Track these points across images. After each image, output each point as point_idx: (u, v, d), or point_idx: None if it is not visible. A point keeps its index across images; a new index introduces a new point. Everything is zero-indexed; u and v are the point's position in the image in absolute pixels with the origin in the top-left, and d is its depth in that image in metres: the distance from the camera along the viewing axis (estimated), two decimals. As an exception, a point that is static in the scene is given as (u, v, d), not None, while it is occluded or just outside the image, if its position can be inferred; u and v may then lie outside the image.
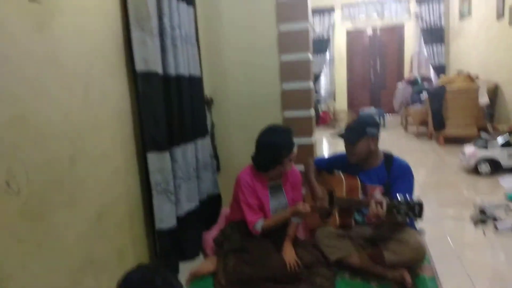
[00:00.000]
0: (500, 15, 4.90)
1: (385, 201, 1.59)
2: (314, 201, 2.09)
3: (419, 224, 2.23)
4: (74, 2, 1.47)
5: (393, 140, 5.65)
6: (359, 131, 1.89)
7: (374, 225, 1.92)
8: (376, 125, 1.93)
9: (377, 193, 1.76)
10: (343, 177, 1.92)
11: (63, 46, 1.40)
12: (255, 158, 2.02)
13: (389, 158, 1.96)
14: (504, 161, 3.36)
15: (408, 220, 1.58)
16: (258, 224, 1.95)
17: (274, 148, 1.93)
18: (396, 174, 1.88)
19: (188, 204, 2.21)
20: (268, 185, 2.05)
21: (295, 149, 1.96)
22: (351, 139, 1.91)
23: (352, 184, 1.90)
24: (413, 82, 6.25)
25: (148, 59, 1.82)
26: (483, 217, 2.49)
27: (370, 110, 7.19)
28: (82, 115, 1.50)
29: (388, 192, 1.76)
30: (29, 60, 1.24)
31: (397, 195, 1.59)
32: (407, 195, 1.62)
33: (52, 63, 1.35)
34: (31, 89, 1.24)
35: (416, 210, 1.55)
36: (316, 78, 8.07)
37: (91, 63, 1.58)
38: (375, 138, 1.92)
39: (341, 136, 1.95)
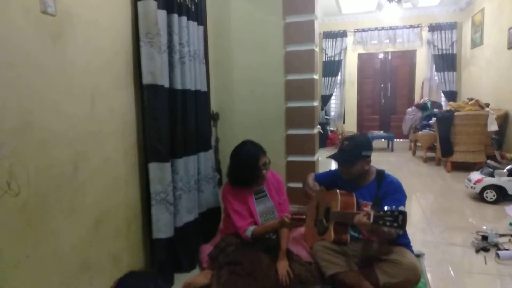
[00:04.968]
0: (511, 44, 4.92)
1: (372, 212, 1.58)
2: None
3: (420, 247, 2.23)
4: (87, 16, 1.56)
5: (401, 164, 5.61)
6: (355, 155, 1.92)
7: (370, 241, 1.92)
8: (370, 147, 1.98)
9: (369, 208, 1.76)
10: (338, 193, 1.93)
11: (74, 58, 1.48)
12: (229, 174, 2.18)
13: (380, 175, 2.00)
14: (511, 189, 3.31)
15: (393, 231, 1.51)
16: (249, 230, 2.00)
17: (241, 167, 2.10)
18: (387, 190, 1.91)
19: (188, 215, 2.24)
20: (252, 192, 2.14)
21: (261, 161, 2.07)
22: (347, 162, 1.95)
23: (348, 201, 1.91)
24: (422, 107, 6.24)
25: (155, 73, 1.89)
26: (485, 245, 2.45)
27: (379, 134, 7.19)
28: (87, 124, 1.57)
29: (378, 207, 1.75)
30: (40, 69, 1.32)
31: (385, 207, 1.55)
32: (393, 206, 1.53)
33: (62, 73, 1.42)
34: (39, 97, 1.32)
35: (399, 219, 1.47)
36: (327, 99, 8.14)
37: (100, 75, 1.65)
38: (369, 159, 1.97)
39: (335, 158, 1.98)
